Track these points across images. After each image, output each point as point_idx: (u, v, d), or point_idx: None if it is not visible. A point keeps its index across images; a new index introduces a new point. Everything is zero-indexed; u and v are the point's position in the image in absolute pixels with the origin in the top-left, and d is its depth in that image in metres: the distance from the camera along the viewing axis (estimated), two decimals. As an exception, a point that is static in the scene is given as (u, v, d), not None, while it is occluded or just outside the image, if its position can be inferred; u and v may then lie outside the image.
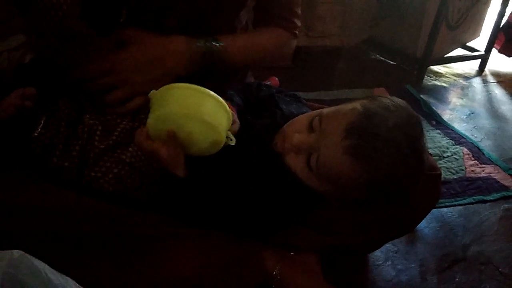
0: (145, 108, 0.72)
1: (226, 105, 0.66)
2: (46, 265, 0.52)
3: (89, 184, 0.74)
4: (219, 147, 0.68)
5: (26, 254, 0.50)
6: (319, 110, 0.75)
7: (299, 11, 0.98)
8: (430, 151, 1.42)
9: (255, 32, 0.96)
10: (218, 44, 0.83)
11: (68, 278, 0.54)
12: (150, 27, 0.81)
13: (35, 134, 0.72)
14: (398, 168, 0.67)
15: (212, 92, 0.65)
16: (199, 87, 0.65)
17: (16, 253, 0.48)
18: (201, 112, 0.64)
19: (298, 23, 0.99)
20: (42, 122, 0.74)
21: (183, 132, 0.65)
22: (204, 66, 0.82)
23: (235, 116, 0.73)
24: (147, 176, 0.76)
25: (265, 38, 0.94)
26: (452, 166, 1.37)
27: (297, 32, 0.99)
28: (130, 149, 0.75)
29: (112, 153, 0.75)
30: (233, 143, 0.68)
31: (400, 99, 0.73)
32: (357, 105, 0.70)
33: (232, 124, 0.69)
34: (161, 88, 0.66)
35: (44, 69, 0.79)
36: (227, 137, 0.67)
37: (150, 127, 0.65)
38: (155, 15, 0.81)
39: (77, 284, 0.56)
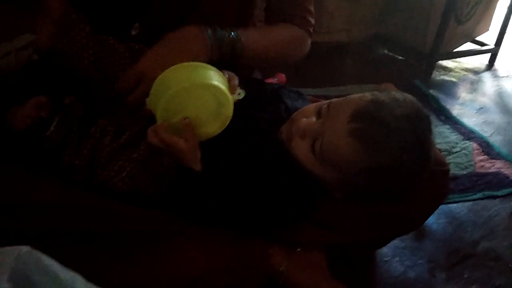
0: None
1: (210, 66, 0.68)
2: (54, 260, 0.52)
3: (102, 184, 0.74)
4: (229, 107, 0.67)
5: (34, 250, 0.50)
6: (329, 100, 0.75)
7: (312, 9, 0.95)
8: (439, 146, 1.40)
9: (271, 29, 0.93)
10: (232, 33, 0.80)
11: (76, 274, 0.55)
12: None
13: (48, 133, 0.73)
14: (401, 157, 0.67)
15: (191, 62, 0.67)
16: (178, 64, 0.66)
17: (24, 248, 0.49)
18: (192, 78, 0.65)
19: (312, 20, 0.95)
20: (56, 121, 0.74)
21: (191, 108, 0.65)
22: (222, 56, 0.79)
23: (229, 72, 0.73)
24: (159, 174, 0.76)
25: (280, 33, 0.91)
26: (461, 161, 1.36)
27: (311, 30, 0.95)
28: (141, 147, 0.76)
29: (124, 152, 0.75)
30: (241, 96, 0.69)
31: (409, 95, 0.73)
32: (366, 94, 0.71)
33: (230, 81, 0.70)
34: (150, 91, 0.67)
35: (52, 67, 0.79)
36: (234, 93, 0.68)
37: (161, 121, 0.66)
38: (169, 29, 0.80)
39: (85, 280, 0.56)
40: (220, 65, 0.72)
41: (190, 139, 0.67)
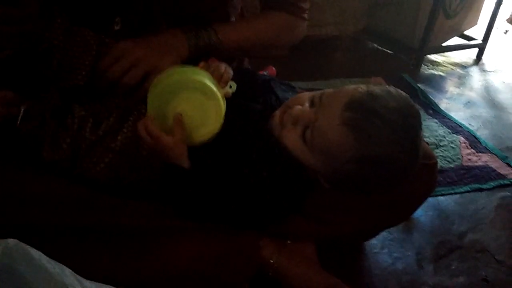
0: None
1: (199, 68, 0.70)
2: (41, 253, 0.52)
3: (81, 175, 0.74)
4: (218, 104, 0.68)
5: (21, 243, 0.50)
6: (322, 90, 0.75)
7: None
8: (427, 140, 1.42)
9: (254, 19, 0.95)
10: (211, 35, 0.83)
11: (64, 267, 0.54)
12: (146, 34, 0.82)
13: (17, 125, 0.70)
14: (392, 149, 0.67)
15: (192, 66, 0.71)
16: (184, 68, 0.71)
17: (11, 241, 0.48)
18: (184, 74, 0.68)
19: (305, 5, 0.96)
20: (22, 111, 0.71)
21: (183, 107, 0.67)
22: (199, 54, 0.82)
23: (223, 66, 0.74)
24: (136, 163, 0.76)
25: (264, 26, 0.93)
26: (449, 154, 1.37)
27: (305, 15, 0.97)
28: (119, 137, 0.75)
29: (102, 143, 0.74)
30: (233, 89, 0.70)
31: (402, 91, 0.73)
32: (361, 85, 0.71)
33: (223, 76, 0.72)
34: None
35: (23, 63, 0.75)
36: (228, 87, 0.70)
37: (151, 112, 0.68)
38: (149, 20, 0.83)
39: (73, 273, 0.56)
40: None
41: (178, 135, 0.67)
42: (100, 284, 0.60)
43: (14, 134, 0.71)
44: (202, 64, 0.74)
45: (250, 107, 0.78)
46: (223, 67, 0.73)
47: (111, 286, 0.62)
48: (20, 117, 0.70)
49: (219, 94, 0.68)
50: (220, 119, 0.69)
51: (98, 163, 0.74)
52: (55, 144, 0.72)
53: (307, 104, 0.74)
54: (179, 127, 0.67)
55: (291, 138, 0.73)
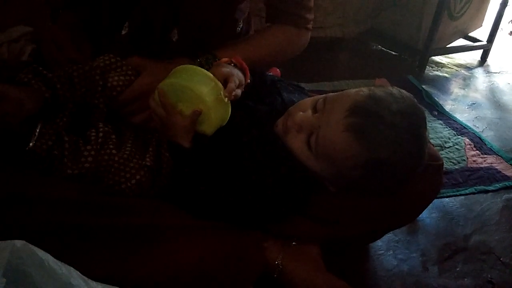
0: None
1: (209, 74, 0.71)
2: (49, 255, 0.52)
3: (109, 187, 0.73)
4: (208, 117, 0.70)
5: (29, 244, 0.50)
6: (325, 94, 0.75)
7: (311, 4, 0.97)
8: (432, 141, 1.41)
9: (257, 38, 0.96)
10: (210, 64, 0.83)
11: (71, 268, 0.55)
12: (154, 40, 0.83)
13: (30, 145, 0.68)
14: (397, 152, 0.67)
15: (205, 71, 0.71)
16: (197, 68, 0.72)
17: (19, 243, 0.49)
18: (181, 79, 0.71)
19: (310, 16, 0.97)
20: (37, 134, 0.69)
21: (177, 105, 0.71)
22: None
23: (239, 74, 0.75)
24: (161, 175, 0.77)
25: (268, 42, 0.94)
26: (454, 156, 1.37)
27: (309, 26, 0.98)
28: (147, 154, 0.76)
29: (132, 160, 0.75)
30: (226, 99, 0.71)
31: (405, 91, 0.73)
32: (363, 89, 0.71)
33: (229, 83, 0.72)
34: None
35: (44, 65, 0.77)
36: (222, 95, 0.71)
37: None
38: (156, 26, 0.83)
39: (80, 274, 0.56)
40: None
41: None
42: (106, 285, 0.61)
43: (24, 154, 0.69)
44: (225, 59, 0.76)
45: (256, 108, 0.79)
46: (237, 81, 0.73)
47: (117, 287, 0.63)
48: (33, 140, 0.69)
49: (211, 109, 0.70)
50: (211, 128, 0.72)
51: (130, 179, 0.73)
52: (77, 157, 0.71)
53: (309, 111, 0.74)
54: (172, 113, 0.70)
55: (296, 145, 0.73)
